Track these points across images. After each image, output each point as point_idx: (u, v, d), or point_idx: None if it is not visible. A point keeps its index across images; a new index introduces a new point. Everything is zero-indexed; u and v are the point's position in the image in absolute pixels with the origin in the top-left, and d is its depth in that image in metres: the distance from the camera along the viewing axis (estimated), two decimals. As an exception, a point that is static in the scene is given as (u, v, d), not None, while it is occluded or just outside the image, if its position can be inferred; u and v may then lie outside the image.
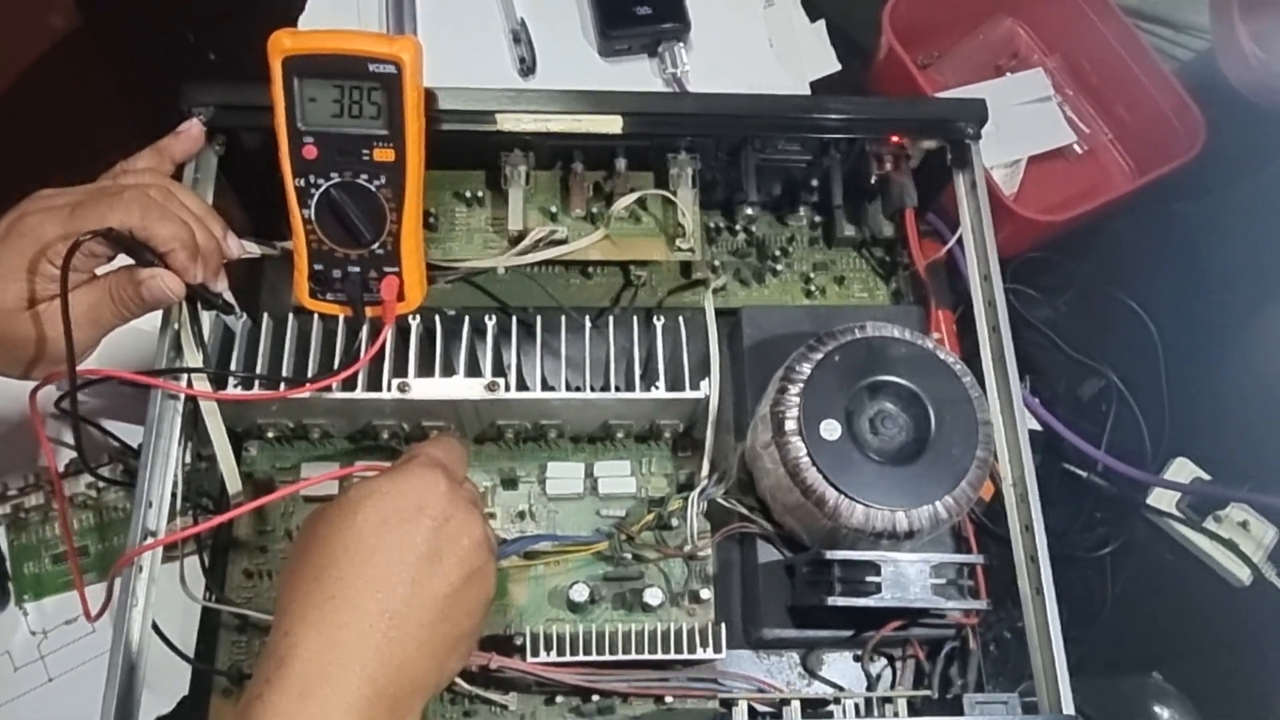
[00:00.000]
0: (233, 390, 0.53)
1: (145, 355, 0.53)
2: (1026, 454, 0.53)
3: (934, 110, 0.62)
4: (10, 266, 0.47)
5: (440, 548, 0.41)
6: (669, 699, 0.53)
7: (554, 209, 0.62)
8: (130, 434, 0.60)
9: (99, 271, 0.50)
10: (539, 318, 0.57)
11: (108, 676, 0.46)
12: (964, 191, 0.60)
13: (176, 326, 0.52)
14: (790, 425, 0.50)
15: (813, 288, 0.66)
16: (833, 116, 0.59)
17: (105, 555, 0.60)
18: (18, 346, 0.48)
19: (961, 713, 0.49)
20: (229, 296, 0.54)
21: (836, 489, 0.49)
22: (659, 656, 0.52)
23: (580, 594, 0.54)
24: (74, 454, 0.61)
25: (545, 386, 0.57)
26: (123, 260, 0.49)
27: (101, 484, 0.60)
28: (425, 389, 0.53)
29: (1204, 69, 0.76)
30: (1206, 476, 0.67)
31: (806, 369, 0.51)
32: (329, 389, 0.52)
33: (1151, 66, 0.75)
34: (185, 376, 0.52)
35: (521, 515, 0.58)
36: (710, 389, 0.54)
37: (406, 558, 0.40)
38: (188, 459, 0.54)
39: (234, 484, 0.54)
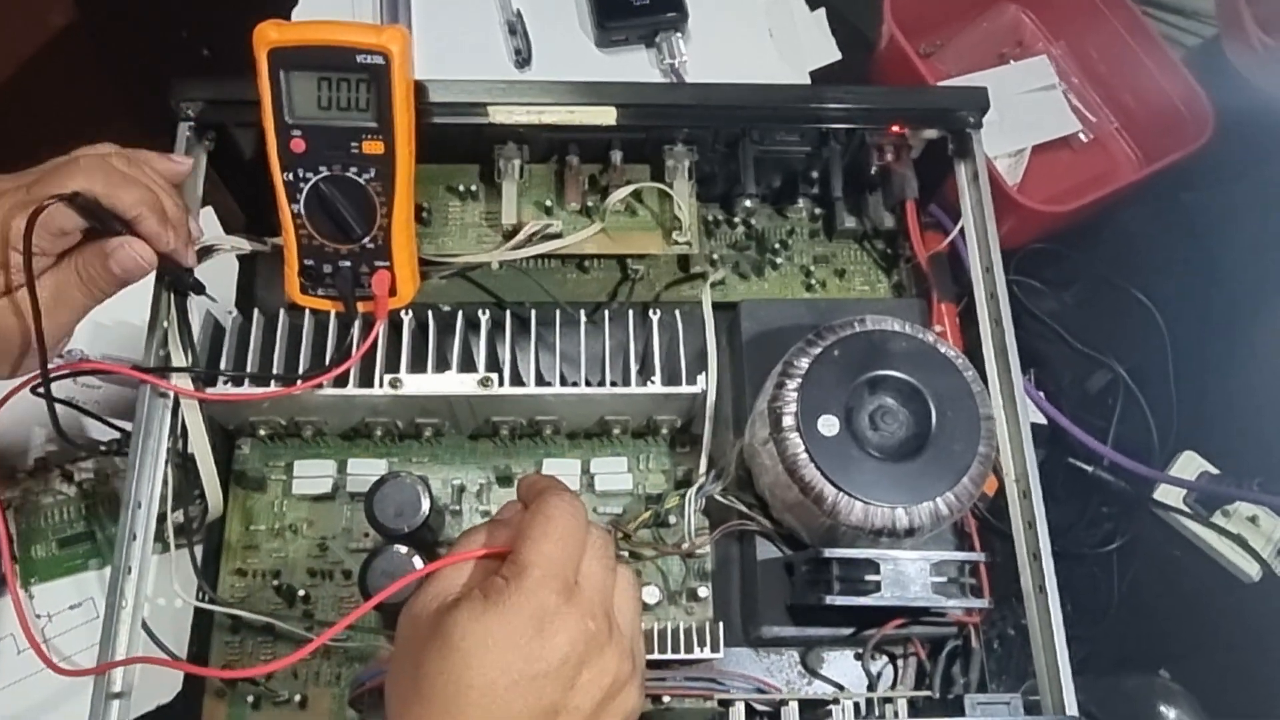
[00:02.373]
0: (223, 388, 0.52)
1: (138, 350, 0.52)
2: (1029, 449, 0.52)
3: (934, 99, 0.61)
4: None
5: (555, 702, 0.36)
6: (666, 699, 0.53)
7: (549, 202, 0.61)
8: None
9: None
10: (534, 312, 0.56)
11: (94, 683, 0.45)
12: (965, 182, 0.59)
13: (165, 324, 0.51)
14: (788, 421, 0.49)
15: (813, 281, 0.65)
16: (832, 107, 0.58)
17: (112, 541, 0.59)
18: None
19: (962, 713, 0.48)
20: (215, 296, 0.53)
21: (835, 486, 0.48)
22: (656, 656, 0.51)
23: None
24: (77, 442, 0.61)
25: (540, 382, 0.56)
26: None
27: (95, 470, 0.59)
28: (418, 385, 0.53)
29: (1211, 56, 0.75)
30: (1215, 470, 0.66)
31: (804, 364, 0.50)
32: (320, 385, 0.52)
33: (1159, 53, 0.73)
34: (173, 375, 0.51)
35: (517, 513, 0.57)
36: (708, 383, 0.54)
37: None
38: (181, 448, 0.53)
39: (214, 493, 0.54)
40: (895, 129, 0.59)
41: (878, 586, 0.49)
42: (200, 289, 0.53)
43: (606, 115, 0.56)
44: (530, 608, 0.36)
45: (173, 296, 0.51)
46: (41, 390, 0.48)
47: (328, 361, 0.53)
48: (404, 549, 0.50)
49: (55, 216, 0.44)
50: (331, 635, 0.41)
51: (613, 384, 0.55)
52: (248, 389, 0.52)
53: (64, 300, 0.47)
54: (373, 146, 0.51)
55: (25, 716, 0.56)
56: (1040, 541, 0.50)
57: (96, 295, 0.47)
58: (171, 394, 0.51)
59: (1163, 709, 0.57)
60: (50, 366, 0.47)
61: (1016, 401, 0.53)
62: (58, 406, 0.49)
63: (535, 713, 0.35)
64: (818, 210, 0.66)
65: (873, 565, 0.49)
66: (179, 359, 0.51)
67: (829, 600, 0.49)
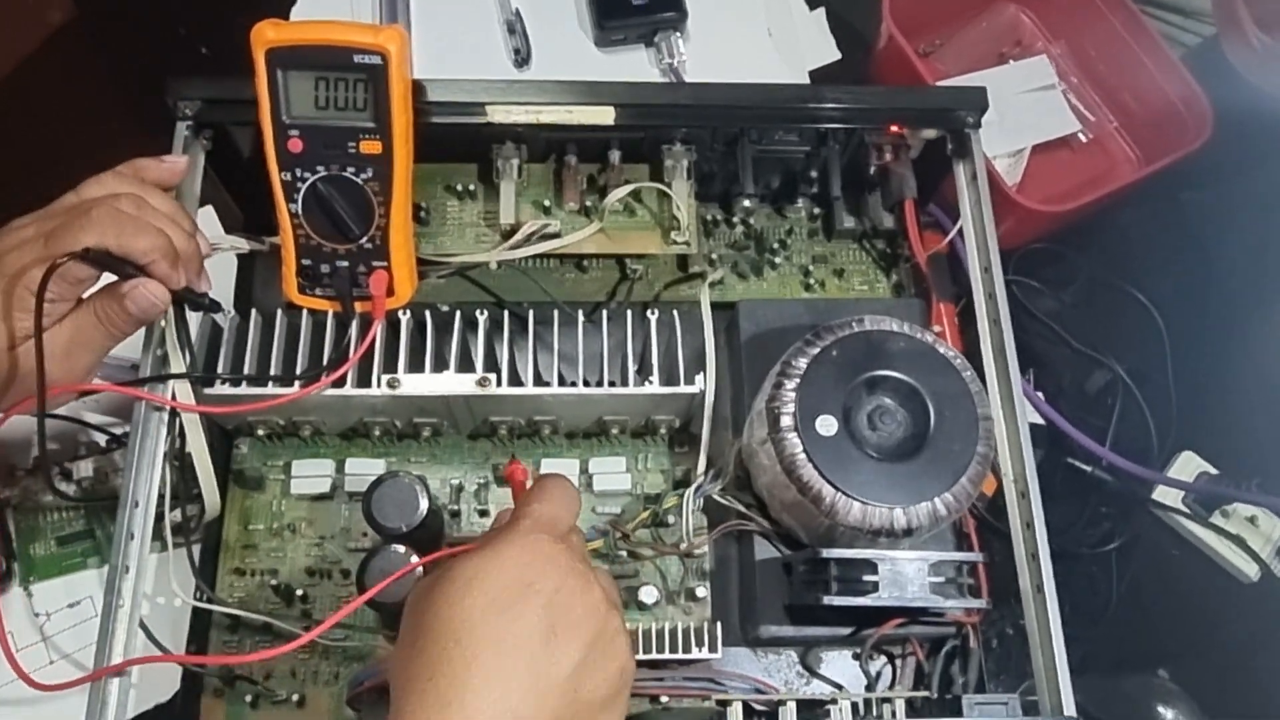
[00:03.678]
0: (220, 389, 0.52)
1: (137, 347, 0.52)
2: (1027, 449, 0.52)
3: (933, 99, 0.61)
4: None
5: (555, 624, 0.37)
6: (665, 699, 0.53)
7: (547, 202, 0.61)
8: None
9: (85, 297, 0.49)
10: (531, 312, 0.56)
11: (91, 685, 0.45)
12: (964, 182, 0.59)
13: (162, 325, 0.51)
14: (786, 421, 0.49)
15: (812, 281, 0.65)
16: (830, 106, 0.58)
17: (109, 540, 0.59)
18: (17, 383, 0.48)
19: (960, 714, 0.48)
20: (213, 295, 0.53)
21: (833, 486, 0.48)
22: (654, 656, 0.51)
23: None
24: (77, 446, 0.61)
25: (539, 382, 0.56)
26: (107, 280, 0.49)
27: (89, 480, 0.59)
28: (416, 385, 0.53)
29: (1209, 55, 0.75)
30: (1214, 471, 0.66)
31: (803, 364, 0.50)
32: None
33: (1158, 53, 0.73)
34: (170, 384, 0.51)
35: (515, 513, 0.57)
36: (705, 383, 0.54)
37: (520, 644, 0.36)
38: (179, 447, 0.53)
39: (210, 494, 0.53)
40: (894, 129, 0.59)
41: (876, 587, 0.49)
42: (217, 308, 0.53)
43: (605, 115, 0.56)
44: (524, 543, 0.39)
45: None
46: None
47: (325, 361, 0.53)
48: (402, 548, 0.50)
49: (70, 269, 0.46)
50: (325, 629, 0.41)
51: (611, 384, 0.55)
52: (245, 389, 0.52)
53: (84, 342, 0.48)
54: (370, 146, 0.51)
55: (24, 712, 0.56)
56: (1038, 542, 0.50)
57: (115, 335, 0.49)
58: (170, 395, 0.51)
59: (1161, 710, 0.57)
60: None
61: (1015, 402, 0.53)
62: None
63: (534, 636, 0.37)
64: (816, 210, 0.66)
65: (871, 565, 0.49)
66: (176, 361, 0.51)
67: (827, 600, 0.49)
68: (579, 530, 0.43)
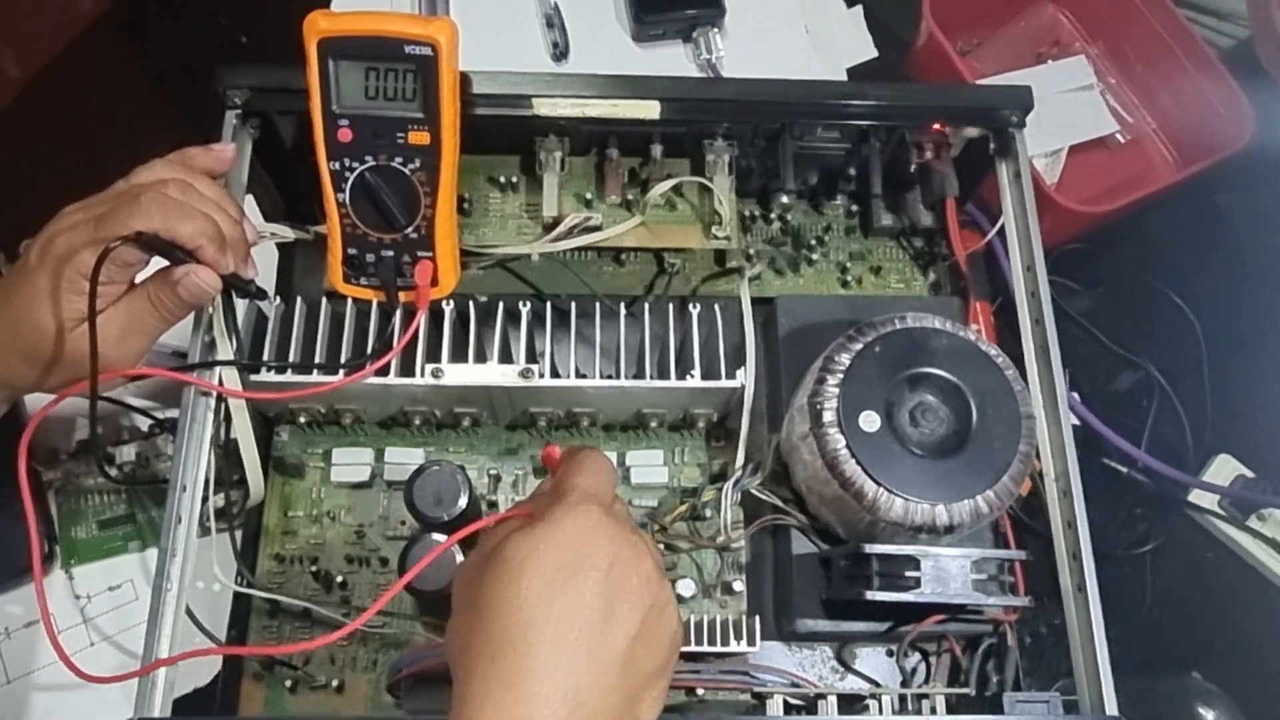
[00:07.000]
0: (265, 376, 0.52)
1: (187, 332, 0.52)
2: (1070, 449, 0.52)
3: (977, 98, 0.61)
4: (49, 289, 0.47)
5: (611, 599, 0.37)
6: (700, 691, 0.53)
7: (589, 195, 0.61)
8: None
9: (139, 280, 0.49)
10: (573, 305, 0.57)
11: (143, 657, 0.46)
12: (1007, 181, 0.59)
13: (210, 311, 0.52)
14: (829, 417, 0.49)
15: (849, 278, 0.65)
16: (873, 103, 0.58)
17: (151, 523, 0.61)
18: (68, 366, 0.48)
19: (1001, 711, 0.48)
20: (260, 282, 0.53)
21: (876, 482, 0.48)
22: (691, 649, 0.51)
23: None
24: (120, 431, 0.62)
25: (578, 374, 0.56)
26: (159, 264, 0.49)
27: (131, 465, 0.60)
28: (459, 375, 0.53)
29: (1245, 57, 0.75)
30: (1250, 474, 0.65)
31: (846, 359, 0.50)
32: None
33: (1198, 54, 0.73)
34: (217, 370, 0.51)
35: (553, 504, 0.58)
36: (745, 378, 0.54)
37: (579, 622, 0.37)
38: (224, 433, 0.53)
39: (255, 479, 0.54)
40: (936, 127, 0.59)
41: (918, 583, 0.49)
42: (263, 295, 0.53)
43: (650, 109, 0.56)
44: (575, 517, 0.39)
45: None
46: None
47: (369, 350, 0.53)
48: (443, 537, 0.51)
49: (121, 253, 0.46)
50: (369, 616, 0.41)
51: (650, 377, 0.55)
52: (290, 376, 0.53)
53: (138, 325, 0.49)
54: (419, 137, 0.51)
55: (67, 694, 0.57)
56: (1080, 541, 0.50)
57: (168, 319, 0.50)
58: (216, 380, 0.51)
59: (1201, 710, 0.57)
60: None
61: (1058, 400, 0.53)
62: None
63: (593, 612, 0.37)
64: (854, 207, 0.66)
65: (913, 562, 0.49)
66: (224, 347, 0.52)
67: (870, 596, 0.49)
68: (620, 499, 0.43)
